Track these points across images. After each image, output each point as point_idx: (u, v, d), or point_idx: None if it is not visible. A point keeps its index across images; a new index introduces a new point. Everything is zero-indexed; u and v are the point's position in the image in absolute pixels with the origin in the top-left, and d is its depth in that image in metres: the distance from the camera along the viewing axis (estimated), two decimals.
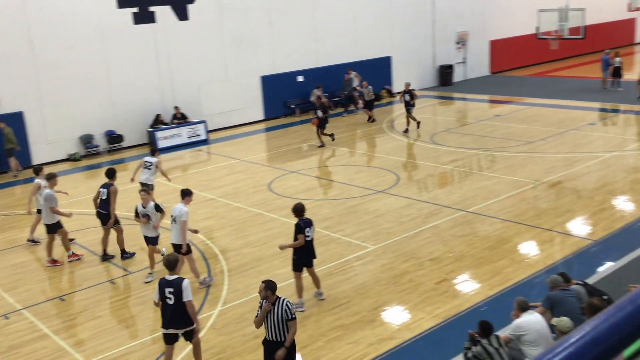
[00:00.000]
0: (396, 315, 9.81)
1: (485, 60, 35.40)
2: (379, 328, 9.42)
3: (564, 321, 7.16)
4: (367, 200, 15.34)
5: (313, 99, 25.51)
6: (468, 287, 10.59)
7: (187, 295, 7.84)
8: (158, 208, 11.40)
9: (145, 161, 15.02)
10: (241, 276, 11.56)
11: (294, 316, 7.54)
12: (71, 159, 21.93)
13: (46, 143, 21.54)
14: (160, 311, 8.17)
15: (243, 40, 25.50)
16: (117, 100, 22.79)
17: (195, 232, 11.47)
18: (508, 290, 10.26)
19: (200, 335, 9.35)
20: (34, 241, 13.94)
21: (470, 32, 33.79)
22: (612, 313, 1.60)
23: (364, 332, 9.29)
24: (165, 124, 23.43)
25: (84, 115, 22.08)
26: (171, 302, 7.85)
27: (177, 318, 7.95)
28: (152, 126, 23.26)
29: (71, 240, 13.52)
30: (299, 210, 9.98)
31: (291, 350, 7.64)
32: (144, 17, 22.59)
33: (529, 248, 12.04)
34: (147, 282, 11.42)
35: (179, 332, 8.08)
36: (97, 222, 12.85)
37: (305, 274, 10.27)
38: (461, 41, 33.67)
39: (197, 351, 8.34)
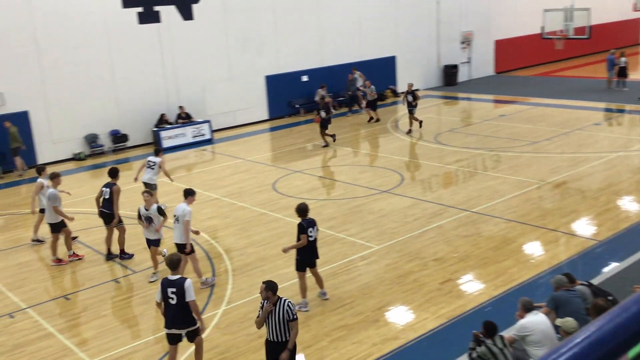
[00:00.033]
0: (400, 315, 9.80)
1: (490, 60, 35.34)
2: (383, 328, 9.41)
3: (569, 322, 7.14)
4: (371, 200, 15.33)
5: (317, 98, 25.51)
6: (472, 287, 10.57)
7: (190, 295, 7.84)
8: (161, 212, 11.34)
9: (149, 161, 15.04)
10: (245, 276, 11.57)
11: (295, 317, 7.52)
12: (76, 158, 21.98)
13: (51, 142, 21.60)
14: (163, 311, 8.18)
15: (247, 40, 25.51)
16: (122, 99, 22.84)
17: (197, 233, 11.47)
18: (512, 290, 10.24)
19: (205, 334, 9.36)
20: (38, 240, 13.97)
21: (475, 32, 33.73)
22: (617, 313, 1.60)
23: (368, 332, 9.28)
24: (170, 123, 23.47)
25: (88, 115, 22.14)
26: (174, 302, 7.85)
27: (180, 318, 7.95)
28: (156, 126, 23.30)
29: (74, 238, 13.55)
30: (302, 210, 9.98)
31: (292, 352, 7.63)
32: (149, 17, 22.67)
33: (533, 248, 12.01)
34: (151, 282, 11.44)
35: (182, 332, 8.07)
36: (101, 221, 12.86)
37: (308, 274, 10.27)
38: (466, 41, 33.62)
39: (198, 351, 8.33)
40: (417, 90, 23.34)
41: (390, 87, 30.35)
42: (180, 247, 10.88)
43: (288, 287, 10.82)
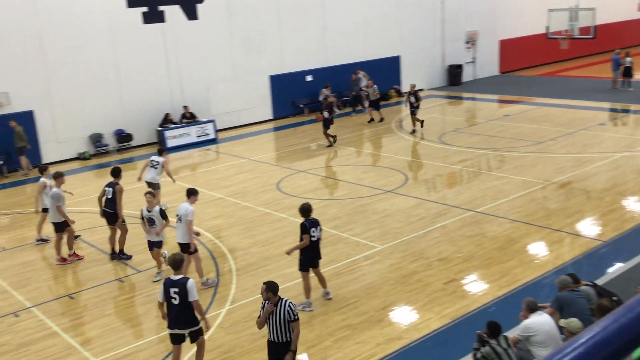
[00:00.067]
0: (404, 315, 9.80)
1: (494, 59, 35.28)
2: (386, 328, 9.40)
3: (573, 322, 7.12)
4: (375, 200, 15.32)
5: (321, 98, 25.53)
6: (477, 287, 10.55)
7: (193, 295, 7.83)
8: (163, 214, 11.30)
9: (152, 160, 15.07)
10: (249, 275, 11.57)
11: (296, 317, 7.51)
12: (81, 157, 22.04)
13: (56, 142, 21.66)
14: (164, 313, 8.18)
15: (252, 40, 25.53)
16: (127, 99, 22.88)
17: (197, 234, 11.45)
18: (517, 290, 10.22)
19: (209, 334, 9.38)
20: (42, 240, 14.01)
21: (479, 32, 33.68)
22: (621, 314, 1.59)
23: (372, 332, 9.28)
24: (174, 123, 23.51)
25: (93, 115, 22.19)
26: (176, 302, 7.84)
27: (182, 318, 7.94)
28: (161, 125, 23.34)
29: (77, 237, 13.58)
30: (305, 210, 9.98)
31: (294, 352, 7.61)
32: (153, 17, 22.78)
33: (538, 248, 11.99)
34: (155, 281, 11.45)
35: (184, 332, 8.06)
36: (104, 220, 12.88)
37: (312, 274, 10.26)
38: (470, 41, 33.57)
39: (200, 352, 8.32)
40: (419, 90, 23.30)
41: (395, 87, 30.34)
42: (183, 247, 10.89)
43: (292, 286, 10.82)
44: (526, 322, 7.49)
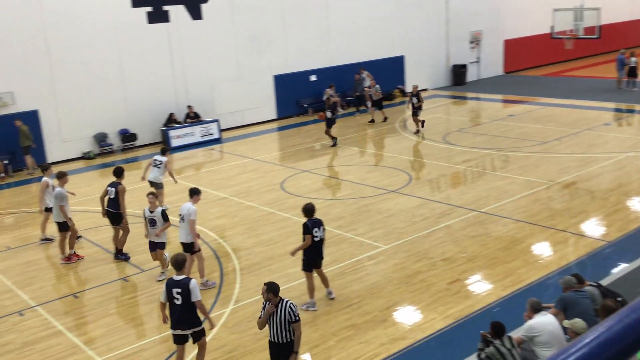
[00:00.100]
0: (408, 315, 9.79)
1: (499, 59, 35.22)
2: (390, 328, 9.40)
3: (578, 322, 7.11)
4: (379, 200, 15.31)
5: (325, 98, 25.53)
6: (481, 287, 10.54)
7: (196, 296, 7.82)
8: (165, 216, 11.28)
9: (155, 159, 15.09)
10: (253, 275, 11.58)
11: (297, 318, 7.49)
12: (85, 157, 22.09)
13: (61, 141, 21.71)
14: (164, 316, 8.18)
15: (256, 40, 25.54)
16: (131, 99, 22.93)
17: (197, 236, 11.41)
18: (521, 291, 10.20)
19: (212, 332, 9.40)
20: (47, 239, 14.04)
21: (484, 32, 33.63)
22: (626, 314, 1.59)
23: (376, 332, 9.28)
24: (179, 122, 23.54)
25: (98, 114, 22.24)
26: (179, 302, 7.83)
27: (185, 318, 7.92)
28: (165, 125, 23.37)
29: (78, 237, 13.60)
30: (308, 210, 9.97)
31: (292, 350, 7.59)
32: (158, 17, 22.82)
33: (542, 249, 11.96)
34: (160, 281, 11.46)
35: (187, 332, 8.04)
36: (107, 220, 12.88)
37: (315, 273, 10.26)
38: (475, 40, 33.52)
39: (201, 353, 8.30)
40: (422, 91, 23.26)
41: (399, 87, 30.30)
42: (186, 247, 10.89)
43: (295, 286, 10.83)
44: (530, 322, 7.48)
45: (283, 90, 26.68)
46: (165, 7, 22.93)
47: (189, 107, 23.77)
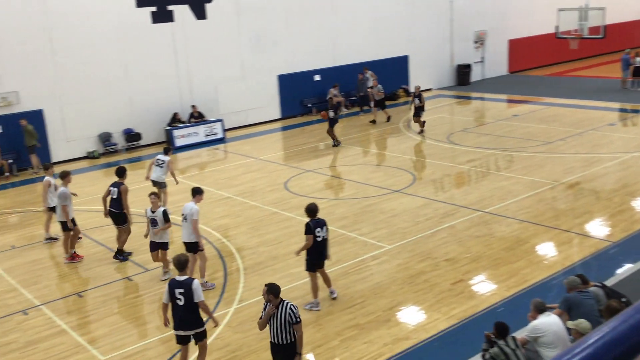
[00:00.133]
0: (412, 316, 9.78)
1: (503, 59, 35.15)
2: (394, 328, 9.39)
3: (583, 323, 7.09)
4: (383, 200, 15.30)
5: (329, 97, 25.53)
6: (484, 288, 10.52)
7: (199, 296, 7.81)
8: (166, 217, 11.25)
9: (158, 159, 15.10)
10: (257, 275, 11.58)
11: (298, 320, 7.45)
12: (90, 156, 22.13)
13: (65, 141, 21.76)
14: (165, 319, 8.16)
15: (260, 39, 25.56)
16: (136, 98, 22.96)
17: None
18: (525, 291, 10.18)
19: (216, 333, 9.41)
20: (51, 238, 14.07)
21: (488, 31, 33.56)
22: (630, 315, 1.58)
23: (379, 332, 9.27)
24: (183, 122, 23.56)
25: (102, 114, 22.28)
26: (181, 303, 7.81)
27: (187, 319, 7.91)
28: (169, 125, 23.40)
29: (78, 238, 13.62)
30: (311, 210, 9.97)
31: (294, 351, 7.56)
32: (162, 16, 22.85)
33: (546, 249, 11.94)
34: (164, 280, 11.47)
35: (189, 333, 8.02)
36: (110, 220, 12.89)
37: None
38: (479, 40, 33.47)
39: (202, 354, 8.28)
40: (425, 91, 23.20)
41: (403, 87, 30.27)
42: (189, 246, 10.89)
43: (299, 286, 10.83)
44: (534, 323, 7.46)
45: (287, 90, 26.69)
46: (170, 7, 22.95)
47: (193, 106, 23.80)
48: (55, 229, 13.80)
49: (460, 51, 32.65)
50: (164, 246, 11.47)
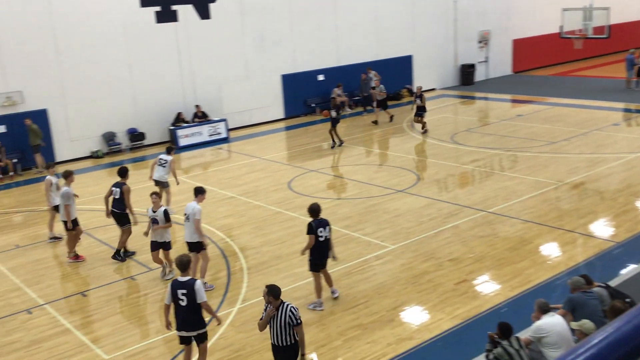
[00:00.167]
0: (415, 316, 9.77)
1: (507, 59, 35.10)
2: (397, 328, 9.38)
3: (587, 324, 7.08)
4: (386, 200, 15.29)
5: (332, 97, 25.52)
6: (488, 288, 10.51)
7: (202, 297, 7.80)
8: (167, 216, 11.24)
9: (160, 159, 15.11)
10: (260, 274, 11.59)
11: (299, 321, 7.42)
12: (94, 156, 22.17)
13: (69, 140, 21.80)
14: (167, 322, 8.15)
15: (264, 39, 25.57)
16: (140, 98, 22.99)
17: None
18: (529, 291, 10.16)
19: (219, 332, 9.42)
20: (55, 238, 14.10)
21: (492, 31, 33.52)
22: (634, 315, 1.58)
23: (383, 332, 9.26)
24: (187, 122, 23.59)
25: (106, 113, 22.32)
26: (184, 303, 7.79)
27: (190, 320, 7.89)
28: (173, 124, 23.42)
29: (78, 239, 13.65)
30: (314, 210, 9.96)
31: (294, 352, 7.54)
32: (166, 16, 22.90)
33: (550, 249, 11.91)
34: (168, 279, 11.48)
35: (191, 334, 8.00)
36: (112, 220, 12.89)
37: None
38: (483, 40, 33.42)
39: (202, 356, 8.27)
40: (427, 91, 23.15)
41: (407, 87, 30.24)
42: (192, 246, 10.89)
43: (303, 285, 10.83)
44: (538, 323, 7.45)
45: (291, 89, 26.69)
46: (174, 7, 23.00)
47: (197, 106, 23.82)
48: (59, 228, 13.83)
49: (464, 51, 32.61)
50: (166, 246, 11.45)
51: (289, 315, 7.35)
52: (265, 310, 7.53)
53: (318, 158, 20.31)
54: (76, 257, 12.85)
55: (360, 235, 13.07)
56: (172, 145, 16.83)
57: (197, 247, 10.90)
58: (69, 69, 21.32)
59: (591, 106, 25.08)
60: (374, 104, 25.03)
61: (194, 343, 8.25)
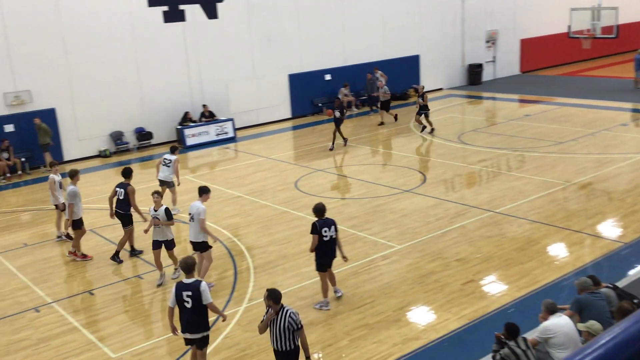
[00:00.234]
0: (422, 316, 9.76)
1: (515, 59, 34.99)
2: (404, 328, 9.37)
3: (596, 325, 7.05)
4: (393, 200, 15.28)
5: (340, 97, 25.50)
6: (495, 288, 10.48)
7: (207, 298, 7.78)
8: (168, 214, 11.21)
9: (165, 158, 15.13)
10: (267, 274, 11.60)
11: (300, 326, 7.36)
12: (101, 155, 22.25)
13: (77, 139, 21.89)
14: (172, 326, 8.12)
15: (271, 39, 25.59)
16: (147, 97, 23.06)
17: (209, 233, 11.32)
18: (536, 292, 10.13)
19: (226, 331, 9.44)
20: (63, 237, 14.15)
21: (500, 31, 33.42)
22: None
23: (389, 332, 9.26)
24: (194, 121, 23.63)
25: (114, 113, 22.39)
26: (189, 305, 7.76)
27: (194, 322, 7.86)
28: (180, 124, 23.48)
29: (71, 236, 13.72)
30: (319, 210, 9.94)
31: (295, 358, 7.50)
32: (174, 16, 22.97)
33: (558, 250, 11.87)
34: (174, 279, 11.50)
35: (195, 337, 7.96)
36: (117, 220, 12.93)
37: None
38: (491, 40, 33.33)
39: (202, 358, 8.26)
40: (429, 92, 23.07)
41: (414, 87, 30.16)
42: (196, 246, 10.90)
43: (309, 285, 10.84)
44: (545, 324, 7.43)
45: (298, 89, 26.71)
46: (181, 7, 23.07)
47: (204, 106, 23.87)
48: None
49: (471, 51, 32.53)
50: (168, 244, 11.38)
51: (289, 321, 7.28)
52: (268, 311, 7.49)
53: (325, 158, 20.30)
54: (84, 256, 12.90)
55: (366, 235, 13.06)
56: (177, 145, 16.83)
57: (201, 247, 10.90)
58: (77, 69, 21.41)
59: (599, 106, 24.97)
60: (379, 104, 24.93)
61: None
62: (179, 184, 15.35)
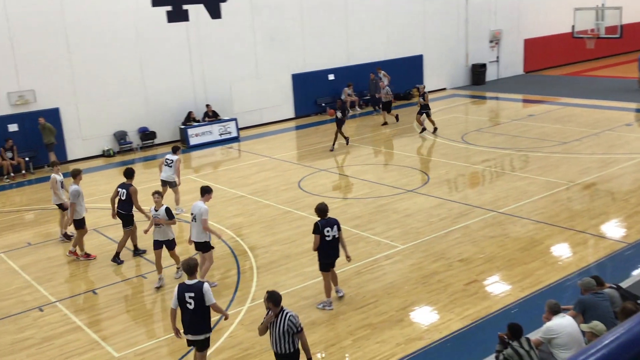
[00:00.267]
0: (425, 316, 9.75)
1: (519, 59, 34.93)
2: (407, 328, 9.37)
3: (599, 326, 7.04)
4: (396, 200, 15.27)
5: (344, 97, 25.50)
6: (498, 288, 10.47)
7: (210, 299, 7.77)
8: (169, 213, 11.18)
9: (167, 159, 15.14)
10: (270, 273, 11.61)
11: (299, 329, 7.33)
12: (105, 155, 22.29)
13: (81, 139, 21.93)
14: (175, 329, 8.12)
15: (275, 39, 25.60)
16: (151, 97, 23.09)
17: (212, 232, 11.31)
18: (540, 292, 10.12)
19: (229, 331, 9.45)
20: (61, 237, 14.17)
21: (504, 31, 33.38)
22: None
23: (392, 332, 9.25)
24: (197, 121, 23.66)
25: (118, 112, 22.43)
26: (191, 306, 7.75)
27: (197, 324, 7.85)
28: (184, 123, 23.50)
29: (70, 236, 13.74)
30: (321, 210, 9.93)
31: (296, 358, 7.47)
32: (177, 16, 22.97)
33: (561, 250, 11.85)
34: (177, 278, 11.52)
35: (197, 338, 7.95)
36: (119, 220, 12.95)
37: None
38: (495, 40, 33.28)
39: None
40: (438, 90, 23.06)
41: (417, 86, 30.12)
42: (198, 246, 10.90)
43: (311, 285, 10.84)
44: (548, 324, 7.42)
45: (301, 89, 26.71)
46: (185, 6, 23.07)
47: (208, 105, 23.89)
48: (70, 227, 13.91)
49: (475, 51, 32.50)
50: (169, 244, 11.36)
51: (288, 324, 7.25)
52: (268, 313, 7.48)
53: (328, 157, 20.30)
54: (87, 256, 12.93)
55: (369, 235, 13.06)
56: (178, 145, 16.84)
57: (203, 247, 10.90)
58: (81, 68, 21.45)
59: (603, 106, 24.92)
60: (381, 105, 24.91)
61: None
62: (179, 184, 15.37)
